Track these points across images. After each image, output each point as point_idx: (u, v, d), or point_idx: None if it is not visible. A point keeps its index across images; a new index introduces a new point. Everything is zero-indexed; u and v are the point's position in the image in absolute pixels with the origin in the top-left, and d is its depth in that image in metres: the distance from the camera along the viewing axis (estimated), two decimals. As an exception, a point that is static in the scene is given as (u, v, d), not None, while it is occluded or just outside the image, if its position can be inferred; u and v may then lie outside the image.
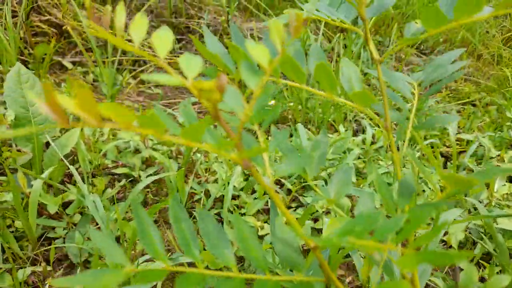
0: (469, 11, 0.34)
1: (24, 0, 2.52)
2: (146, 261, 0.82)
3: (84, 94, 0.23)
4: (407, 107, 0.53)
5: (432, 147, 1.71)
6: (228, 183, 1.06)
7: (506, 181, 1.20)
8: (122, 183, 1.15)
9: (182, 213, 0.31)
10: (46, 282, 0.89)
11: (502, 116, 1.97)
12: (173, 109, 2.14)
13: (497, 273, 0.81)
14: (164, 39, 0.30)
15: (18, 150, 1.29)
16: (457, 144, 1.77)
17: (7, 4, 2.40)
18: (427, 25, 0.36)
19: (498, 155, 1.37)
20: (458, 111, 2.42)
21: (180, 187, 1.07)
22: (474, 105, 2.64)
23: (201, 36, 2.81)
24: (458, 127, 2.02)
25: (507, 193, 1.13)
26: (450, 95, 2.96)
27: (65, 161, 0.99)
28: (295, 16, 0.28)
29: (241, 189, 1.16)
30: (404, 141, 0.56)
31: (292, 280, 0.32)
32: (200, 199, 1.14)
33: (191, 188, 1.15)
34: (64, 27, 2.51)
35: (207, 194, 1.16)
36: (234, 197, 1.15)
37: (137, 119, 0.25)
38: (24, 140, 1.04)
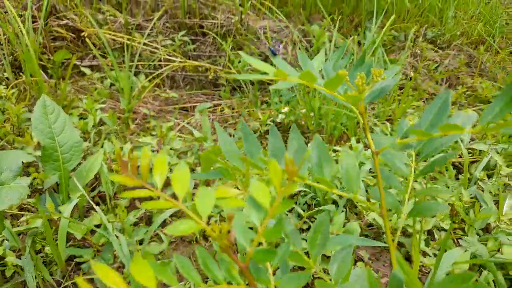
0: (451, 131, 0.38)
1: (44, 5, 2.58)
2: None
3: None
4: (402, 187, 0.56)
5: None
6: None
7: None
8: (142, 211, 1.22)
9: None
10: (76, 306, 0.97)
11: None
12: (188, 113, 2.18)
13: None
14: (182, 179, 0.34)
15: (44, 171, 1.37)
16: (470, 153, 1.77)
17: (26, 10, 2.47)
18: (415, 135, 0.40)
19: (508, 174, 1.39)
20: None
21: (196, 212, 1.13)
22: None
23: (216, 35, 2.83)
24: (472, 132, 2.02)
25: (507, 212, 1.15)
26: (467, 92, 2.93)
27: (85, 194, 1.06)
28: (290, 162, 0.32)
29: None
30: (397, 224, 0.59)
31: None
32: (217, 221, 1.21)
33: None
34: (82, 34, 2.57)
35: (222, 217, 1.22)
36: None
37: (164, 278, 0.31)
38: (51, 168, 1.11)
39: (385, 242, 1.18)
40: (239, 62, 2.69)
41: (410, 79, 2.99)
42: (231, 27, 2.97)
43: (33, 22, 2.65)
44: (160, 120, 2.12)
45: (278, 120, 2.06)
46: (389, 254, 1.13)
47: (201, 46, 2.99)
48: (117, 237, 0.93)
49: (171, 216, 1.22)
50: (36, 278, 0.94)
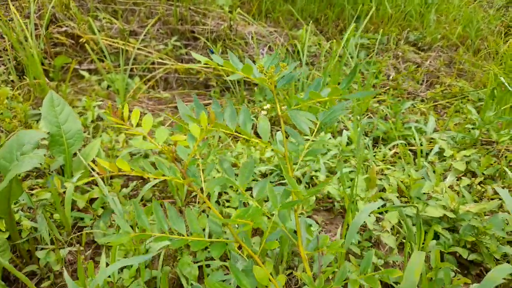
0: (315, 98, 0.64)
1: (47, 14, 2.87)
2: (151, 241, 1.15)
3: (113, 166, 0.55)
4: (303, 141, 0.82)
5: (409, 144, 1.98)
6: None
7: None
8: (134, 183, 1.48)
9: (160, 210, 0.62)
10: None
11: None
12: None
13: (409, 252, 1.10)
14: (148, 121, 0.61)
15: (50, 157, 1.64)
16: (431, 142, 2.03)
17: (28, 18, 2.76)
18: (298, 101, 0.66)
19: (452, 155, 1.65)
20: (444, 108, 2.67)
21: (179, 186, 1.39)
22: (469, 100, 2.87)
23: (206, 40, 3.11)
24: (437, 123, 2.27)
25: (447, 187, 1.41)
26: (445, 90, 3.19)
27: (88, 167, 1.33)
28: (212, 114, 0.58)
29: (230, 186, 1.48)
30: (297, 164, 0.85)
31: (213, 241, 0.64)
32: (196, 195, 1.47)
33: (189, 186, 1.48)
34: (81, 40, 2.85)
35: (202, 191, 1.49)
36: (226, 192, 1.47)
37: (132, 170, 0.57)
38: (58, 152, 1.38)
39: (335, 212, 1.44)
40: (228, 64, 2.96)
41: (393, 79, 3.26)
42: (221, 33, 3.26)
43: (34, 29, 2.94)
44: (153, 117, 2.40)
45: (261, 115, 2.33)
46: (342, 218, 1.39)
47: (192, 50, 3.27)
48: (114, 201, 1.20)
49: (153, 186, 1.49)
50: (49, 234, 1.20)
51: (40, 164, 1.60)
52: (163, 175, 0.61)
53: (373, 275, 0.61)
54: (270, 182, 1.29)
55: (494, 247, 1.17)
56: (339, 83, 1.80)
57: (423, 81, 3.33)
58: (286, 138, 0.75)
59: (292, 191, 0.69)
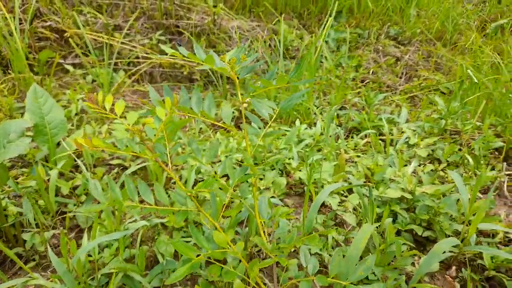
0: (268, 85, 0.74)
1: (31, 9, 2.93)
2: (130, 222, 1.25)
3: (87, 142, 0.65)
4: (261, 124, 0.93)
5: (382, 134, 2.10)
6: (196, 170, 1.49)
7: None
8: (116, 170, 1.58)
9: (131, 182, 0.72)
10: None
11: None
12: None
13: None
14: (120, 105, 0.71)
15: (35, 147, 1.73)
16: (403, 132, 2.15)
17: (12, 13, 2.82)
18: (251, 87, 0.76)
19: (416, 143, 1.77)
20: (419, 100, 2.79)
21: (158, 174, 1.49)
22: (443, 92, 3.00)
23: (190, 35, 3.19)
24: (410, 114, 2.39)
25: (409, 172, 1.53)
26: (422, 84, 3.32)
27: (73, 156, 1.42)
28: (175, 99, 0.68)
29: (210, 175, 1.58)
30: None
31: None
32: (175, 182, 1.57)
33: (168, 174, 1.58)
34: (65, 34, 2.92)
35: (181, 178, 1.59)
36: (201, 180, 1.57)
37: (105, 145, 0.67)
38: (42, 141, 1.47)
39: (304, 196, 1.55)
40: (211, 58, 3.05)
41: (373, 73, 3.38)
42: (205, 27, 3.34)
43: (19, 24, 2.99)
44: (136, 109, 2.48)
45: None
46: (311, 202, 1.50)
47: (177, 44, 3.34)
48: (96, 187, 1.29)
49: (134, 173, 1.58)
50: (35, 219, 1.29)
51: (25, 155, 1.68)
52: (133, 152, 0.71)
53: (314, 235, 0.72)
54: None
55: (447, 225, 1.29)
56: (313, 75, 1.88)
57: (402, 74, 3.46)
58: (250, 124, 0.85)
59: (247, 164, 0.79)
